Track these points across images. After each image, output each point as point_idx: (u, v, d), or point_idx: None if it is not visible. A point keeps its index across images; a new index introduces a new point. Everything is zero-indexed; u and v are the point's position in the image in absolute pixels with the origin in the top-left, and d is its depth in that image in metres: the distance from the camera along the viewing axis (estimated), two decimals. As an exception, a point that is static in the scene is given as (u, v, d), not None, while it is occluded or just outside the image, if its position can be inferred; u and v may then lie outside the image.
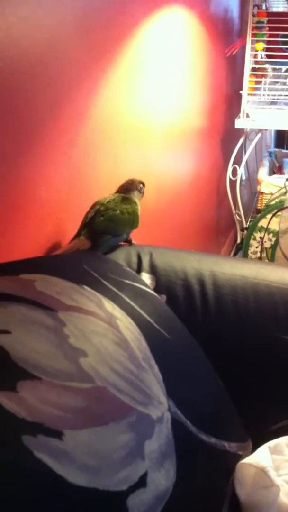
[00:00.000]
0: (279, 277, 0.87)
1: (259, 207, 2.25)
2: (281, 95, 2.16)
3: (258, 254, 2.09)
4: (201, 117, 1.87)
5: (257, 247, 2.10)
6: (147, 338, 0.65)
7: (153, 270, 0.88)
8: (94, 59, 0.99)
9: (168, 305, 0.80)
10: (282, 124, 2.19)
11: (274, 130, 3.37)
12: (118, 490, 0.49)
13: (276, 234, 2.01)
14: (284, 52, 2.10)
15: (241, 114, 2.15)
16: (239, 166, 2.24)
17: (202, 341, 0.79)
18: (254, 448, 0.75)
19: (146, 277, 0.87)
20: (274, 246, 2.05)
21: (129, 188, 0.95)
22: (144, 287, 0.77)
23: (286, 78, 2.16)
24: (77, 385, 0.52)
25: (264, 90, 2.12)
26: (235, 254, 2.46)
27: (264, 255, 2.08)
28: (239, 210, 2.33)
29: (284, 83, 2.16)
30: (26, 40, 0.76)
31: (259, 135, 2.23)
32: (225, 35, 2.17)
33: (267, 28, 2.08)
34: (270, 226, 2.01)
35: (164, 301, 0.83)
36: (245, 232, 2.20)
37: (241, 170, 2.25)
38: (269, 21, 2.08)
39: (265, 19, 2.07)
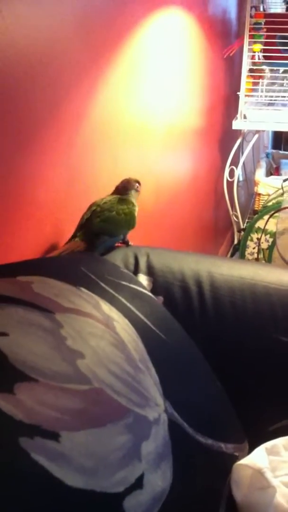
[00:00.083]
0: (277, 278, 0.88)
1: (256, 208, 2.25)
2: (278, 96, 2.16)
3: (255, 255, 2.10)
4: (199, 118, 1.87)
5: (254, 248, 2.10)
6: (144, 339, 0.65)
7: (150, 271, 0.88)
8: (93, 59, 0.99)
9: (165, 306, 0.80)
10: (279, 125, 2.20)
11: (271, 131, 3.37)
12: (115, 491, 0.49)
13: (273, 235, 2.01)
14: (282, 53, 2.11)
15: (238, 115, 2.15)
16: (237, 167, 2.24)
17: (200, 342, 0.79)
18: (251, 449, 0.75)
19: (143, 278, 0.87)
20: (271, 247, 2.05)
21: (125, 188, 0.95)
22: (141, 289, 0.77)
23: (283, 79, 2.16)
24: (74, 387, 0.52)
25: (262, 91, 2.13)
26: (232, 255, 2.47)
27: (261, 256, 2.08)
28: (236, 211, 2.34)
29: (282, 84, 2.16)
30: (26, 40, 0.76)
31: (256, 136, 2.24)
32: (223, 36, 2.17)
33: (264, 29, 2.08)
34: (267, 227, 2.01)
35: (161, 302, 0.84)
36: (242, 233, 2.20)
37: (238, 171, 2.26)
38: (266, 23, 2.08)
39: (262, 20, 2.07)
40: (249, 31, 2.06)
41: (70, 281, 0.66)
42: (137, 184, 0.96)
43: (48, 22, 0.82)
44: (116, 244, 0.95)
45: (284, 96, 2.15)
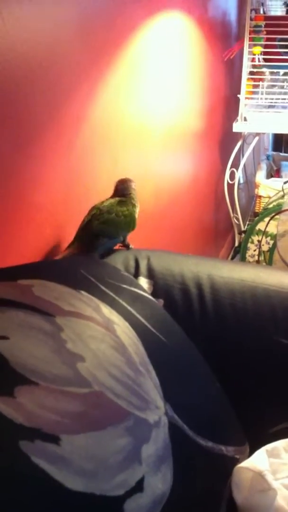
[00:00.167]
0: (277, 281, 0.88)
1: (257, 210, 2.26)
2: (278, 99, 2.16)
3: (256, 258, 2.10)
4: (199, 121, 1.88)
5: (255, 251, 2.10)
6: (145, 342, 0.65)
7: (150, 274, 0.88)
8: (93, 62, 1.00)
9: (165, 309, 0.80)
10: (280, 128, 2.20)
11: (271, 134, 3.37)
12: (115, 495, 0.49)
13: (274, 237, 2.01)
14: (282, 55, 2.11)
15: (239, 118, 2.15)
16: (237, 169, 2.24)
17: (200, 344, 0.79)
18: (252, 451, 0.75)
19: (143, 281, 0.87)
20: (272, 249, 2.05)
21: (124, 188, 0.95)
22: (141, 292, 0.77)
23: (283, 82, 2.16)
24: (74, 390, 0.52)
25: (262, 94, 2.13)
26: (233, 258, 2.47)
27: (262, 258, 2.08)
28: (237, 214, 2.34)
29: (282, 87, 2.16)
30: (26, 44, 0.76)
31: (256, 138, 2.24)
32: (223, 39, 2.18)
33: (264, 32, 2.09)
34: (268, 229, 2.01)
35: (161, 305, 0.84)
36: (243, 235, 2.20)
37: (239, 174, 2.26)
38: (266, 25, 2.09)
39: (262, 23, 2.08)
40: (249, 34, 2.06)
41: (71, 284, 0.66)
42: (133, 183, 0.96)
43: (48, 26, 0.82)
44: (116, 246, 0.95)
45: (285, 99, 2.15)
